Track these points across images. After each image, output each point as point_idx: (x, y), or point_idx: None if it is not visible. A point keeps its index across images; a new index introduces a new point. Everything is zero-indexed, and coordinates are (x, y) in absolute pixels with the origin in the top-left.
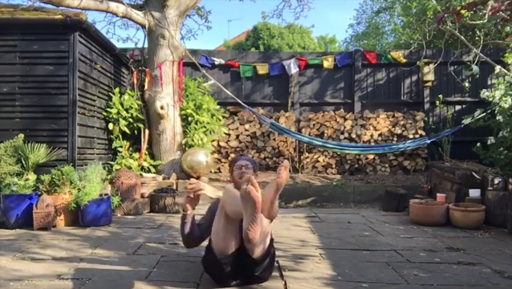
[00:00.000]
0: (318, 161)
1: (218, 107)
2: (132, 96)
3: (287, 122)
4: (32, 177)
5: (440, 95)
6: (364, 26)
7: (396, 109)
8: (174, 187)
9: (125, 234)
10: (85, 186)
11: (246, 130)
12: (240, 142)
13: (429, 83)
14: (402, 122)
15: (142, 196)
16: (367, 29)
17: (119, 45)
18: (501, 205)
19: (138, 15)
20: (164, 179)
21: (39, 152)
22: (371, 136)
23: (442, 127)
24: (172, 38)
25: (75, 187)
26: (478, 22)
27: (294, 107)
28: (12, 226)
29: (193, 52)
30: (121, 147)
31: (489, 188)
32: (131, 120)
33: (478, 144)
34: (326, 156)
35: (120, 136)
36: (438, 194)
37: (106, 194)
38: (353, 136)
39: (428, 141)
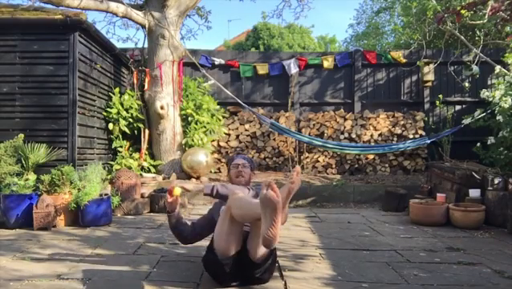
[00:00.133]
0: (318, 161)
1: (218, 107)
2: (132, 96)
3: (287, 122)
4: (32, 177)
5: (440, 95)
6: (364, 26)
7: (396, 109)
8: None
9: (125, 234)
10: (85, 186)
11: (246, 130)
12: (240, 142)
13: (429, 83)
14: (402, 122)
15: (142, 196)
16: (367, 29)
17: (119, 45)
18: (501, 205)
19: (138, 15)
20: (164, 179)
21: (39, 152)
22: (371, 136)
23: (442, 127)
24: (172, 38)
25: (75, 187)
26: (478, 22)
27: (294, 107)
28: (12, 226)
29: (193, 52)
30: (121, 147)
31: (489, 188)
32: (131, 120)
33: (478, 144)
34: (326, 156)
35: (120, 136)
36: (438, 194)
37: (106, 194)
38: (353, 136)
39: (428, 141)
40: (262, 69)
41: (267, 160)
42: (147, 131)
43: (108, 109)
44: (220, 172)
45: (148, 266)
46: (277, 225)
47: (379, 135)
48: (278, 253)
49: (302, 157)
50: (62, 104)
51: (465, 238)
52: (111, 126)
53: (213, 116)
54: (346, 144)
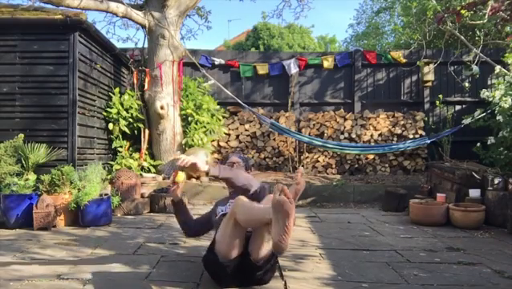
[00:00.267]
0: (318, 161)
1: (218, 107)
2: (132, 96)
3: (287, 122)
4: (32, 177)
5: (440, 95)
6: (364, 26)
7: (396, 109)
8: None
9: (125, 234)
10: (85, 186)
11: (246, 130)
12: (240, 142)
13: (429, 83)
14: (402, 122)
15: (142, 196)
16: (367, 29)
17: (119, 45)
18: (501, 205)
19: (138, 15)
20: (164, 179)
21: (39, 152)
22: (371, 136)
23: (442, 127)
24: (172, 38)
25: (75, 187)
26: (478, 22)
27: (294, 107)
28: (12, 226)
29: (193, 52)
30: (121, 147)
31: (489, 188)
32: (131, 120)
33: (478, 144)
34: (326, 156)
35: (120, 136)
36: (438, 194)
37: (106, 194)
38: (353, 136)
39: (428, 141)
40: (262, 69)
41: (267, 160)
42: (147, 131)
43: (108, 109)
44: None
45: (148, 266)
46: (290, 232)
47: (379, 135)
48: None
49: (302, 157)
50: (62, 104)
51: (465, 238)
52: (111, 126)
53: (213, 116)
54: (346, 144)
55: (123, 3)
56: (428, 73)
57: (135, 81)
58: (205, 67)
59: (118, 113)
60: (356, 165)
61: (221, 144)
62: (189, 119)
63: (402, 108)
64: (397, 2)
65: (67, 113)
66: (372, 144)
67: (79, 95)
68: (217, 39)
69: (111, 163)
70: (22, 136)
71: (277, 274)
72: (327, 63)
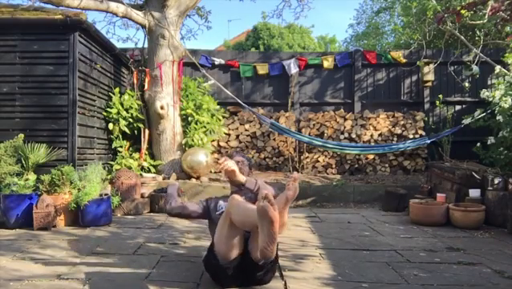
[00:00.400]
0: (318, 161)
1: (218, 107)
2: (132, 96)
3: (287, 122)
4: (32, 177)
5: (440, 95)
6: (364, 26)
7: (396, 109)
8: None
9: (125, 234)
10: (85, 186)
11: (246, 130)
12: (240, 142)
13: (429, 83)
14: (402, 122)
15: (142, 196)
16: (367, 29)
17: (119, 45)
18: (501, 205)
19: (138, 15)
20: (164, 179)
21: (39, 152)
22: (371, 136)
23: (442, 127)
24: (172, 38)
25: (75, 187)
26: (478, 22)
27: (294, 107)
28: (12, 226)
29: (193, 52)
30: (121, 147)
31: (489, 188)
32: (131, 120)
33: (478, 144)
34: (326, 156)
35: (120, 136)
36: (438, 194)
37: (106, 194)
38: (353, 136)
39: (428, 141)
40: (262, 69)
41: (267, 160)
42: (147, 131)
43: (108, 109)
44: (220, 172)
45: (148, 266)
46: (275, 239)
47: (379, 135)
48: (279, 253)
49: (302, 157)
50: (63, 104)
51: (465, 238)
52: (111, 126)
53: (213, 116)
54: (346, 144)
55: (123, 3)
56: (428, 73)
57: (135, 81)
58: (205, 67)
59: (118, 113)
60: (356, 165)
61: (221, 144)
62: (189, 119)
63: (402, 108)
64: (397, 2)
65: (67, 113)
66: (372, 144)
67: (79, 95)
68: (217, 39)
69: (111, 163)
70: (22, 136)
71: (277, 274)
72: (327, 63)
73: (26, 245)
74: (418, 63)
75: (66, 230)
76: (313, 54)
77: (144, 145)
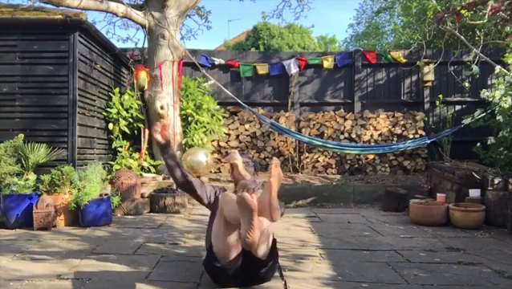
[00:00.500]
0: (318, 161)
1: (218, 107)
2: (132, 96)
3: (287, 122)
4: (32, 177)
5: (440, 95)
6: (364, 26)
7: (396, 109)
8: (174, 187)
9: (125, 234)
10: (85, 186)
11: (246, 130)
12: (240, 142)
13: (429, 83)
14: (402, 122)
15: (142, 196)
16: (367, 29)
17: (119, 45)
18: (501, 205)
19: (138, 15)
20: (164, 179)
21: (39, 152)
22: (371, 136)
23: (442, 127)
24: (172, 38)
25: (75, 187)
26: (478, 22)
27: (294, 107)
28: (12, 226)
29: (193, 52)
30: (121, 147)
31: (489, 188)
32: (131, 120)
33: (478, 144)
34: (326, 156)
35: (120, 136)
36: (438, 194)
37: (106, 194)
38: (353, 136)
39: (428, 141)
40: (262, 69)
41: (267, 160)
42: (147, 131)
43: (108, 109)
44: (220, 172)
45: (148, 266)
46: (254, 228)
47: (380, 135)
48: (279, 253)
49: (302, 157)
50: (63, 104)
51: (465, 238)
52: (111, 126)
53: (213, 116)
54: (346, 144)
55: (123, 3)
56: (428, 73)
57: (135, 81)
58: (205, 67)
59: (118, 113)
60: (356, 165)
61: (221, 144)
62: (189, 119)
63: (402, 108)
64: (397, 2)
65: (67, 113)
66: (372, 144)
67: (79, 95)
68: (217, 39)
69: (111, 163)
70: (22, 136)
71: (277, 274)
72: (327, 63)
73: (26, 245)
74: (418, 63)
75: (66, 230)
76: (313, 54)
77: (144, 145)
